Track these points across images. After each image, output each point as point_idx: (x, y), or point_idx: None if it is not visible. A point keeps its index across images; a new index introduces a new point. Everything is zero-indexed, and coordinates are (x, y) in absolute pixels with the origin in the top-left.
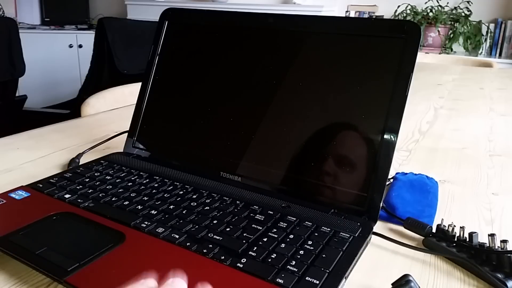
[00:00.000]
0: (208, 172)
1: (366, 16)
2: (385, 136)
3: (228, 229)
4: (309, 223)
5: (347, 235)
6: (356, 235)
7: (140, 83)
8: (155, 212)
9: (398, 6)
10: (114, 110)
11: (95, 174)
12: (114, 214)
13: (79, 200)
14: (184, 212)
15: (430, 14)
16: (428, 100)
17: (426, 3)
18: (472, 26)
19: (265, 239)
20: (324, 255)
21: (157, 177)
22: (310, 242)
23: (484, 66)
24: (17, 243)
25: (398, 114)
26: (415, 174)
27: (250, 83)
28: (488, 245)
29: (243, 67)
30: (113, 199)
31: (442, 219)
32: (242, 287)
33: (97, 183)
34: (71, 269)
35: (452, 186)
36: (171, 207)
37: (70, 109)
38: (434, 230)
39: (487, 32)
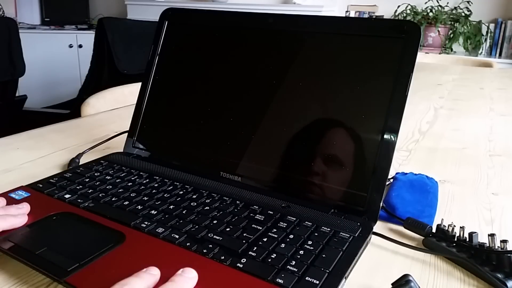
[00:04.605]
0: (208, 172)
1: (366, 16)
2: (385, 136)
3: (228, 229)
4: (309, 223)
5: (347, 235)
6: (356, 235)
7: (140, 83)
8: (155, 212)
9: (398, 6)
10: (114, 110)
11: (95, 174)
12: (114, 214)
13: (79, 200)
14: (184, 212)
15: (430, 14)
16: (428, 100)
17: (426, 3)
18: (472, 26)
19: (265, 239)
20: (324, 255)
21: (157, 177)
22: (310, 242)
23: (484, 66)
24: (17, 243)
25: (398, 114)
26: (415, 174)
27: (250, 83)
28: (488, 245)
29: (243, 67)
30: (113, 199)
31: (442, 219)
32: (242, 287)
33: (97, 183)
34: (71, 269)
35: (452, 186)
36: (171, 207)
37: (70, 109)
38: (434, 230)
39: (487, 32)
